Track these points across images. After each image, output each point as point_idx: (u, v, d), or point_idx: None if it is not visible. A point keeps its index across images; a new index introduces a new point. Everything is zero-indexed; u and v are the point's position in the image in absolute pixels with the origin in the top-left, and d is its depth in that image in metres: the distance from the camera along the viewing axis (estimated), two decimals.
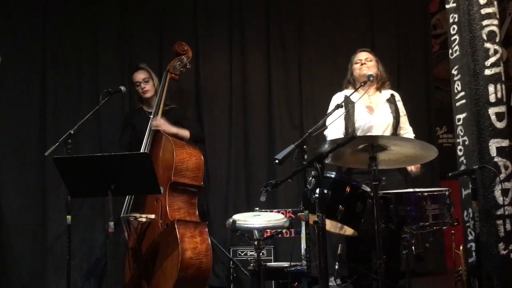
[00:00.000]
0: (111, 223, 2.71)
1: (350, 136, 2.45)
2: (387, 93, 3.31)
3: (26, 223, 3.96)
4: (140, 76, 3.67)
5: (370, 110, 3.22)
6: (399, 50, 4.63)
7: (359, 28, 4.59)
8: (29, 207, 3.98)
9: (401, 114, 3.29)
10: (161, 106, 3.52)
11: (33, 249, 3.97)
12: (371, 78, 2.92)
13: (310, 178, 2.64)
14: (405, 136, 3.25)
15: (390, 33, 4.63)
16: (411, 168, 3.11)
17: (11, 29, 4.05)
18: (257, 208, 3.49)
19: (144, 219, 3.14)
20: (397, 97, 3.34)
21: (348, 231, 2.82)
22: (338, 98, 3.29)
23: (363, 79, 3.04)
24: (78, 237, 3.88)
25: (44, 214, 3.98)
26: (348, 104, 3.11)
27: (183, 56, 3.70)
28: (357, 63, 3.30)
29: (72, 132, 3.08)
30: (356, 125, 3.16)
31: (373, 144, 2.45)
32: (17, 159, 3.99)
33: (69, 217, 3.03)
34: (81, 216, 3.94)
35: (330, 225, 2.80)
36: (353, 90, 3.13)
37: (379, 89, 3.32)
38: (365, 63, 3.26)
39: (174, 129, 3.50)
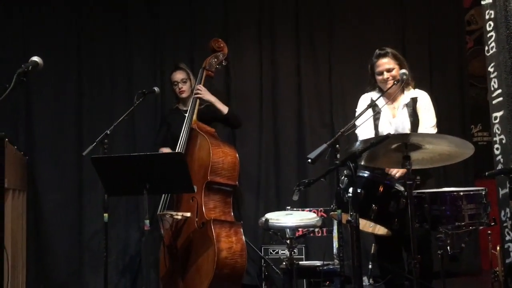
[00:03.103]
0: (147, 221, 2.75)
1: (384, 135, 2.42)
2: (408, 95, 3.14)
3: (64, 221, 4.09)
4: (178, 76, 3.69)
5: (392, 116, 3.16)
6: (432, 46, 4.55)
7: (390, 24, 4.54)
8: (67, 205, 4.11)
9: (420, 115, 3.09)
10: (197, 104, 3.54)
11: (70, 246, 4.09)
12: (404, 77, 2.89)
13: (343, 177, 2.63)
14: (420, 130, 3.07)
15: (422, 29, 4.57)
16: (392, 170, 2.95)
17: (47, 33, 4.19)
18: (289, 207, 3.49)
19: (179, 217, 3.17)
20: (420, 97, 3.13)
21: (381, 230, 2.81)
22: (365, 99, 3.19)
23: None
24: (113, 234, 3.96)
25: (81, 212, 4.10)
26: (375, 108, 3.02)
27: (219, 53, 3.68)
28: (378, 74, 3.08)
29: (108, 132, 3.14)
30: (380, 131, 3.09)
31: (407, 143, 2.43)
32: (55, 158, 4.13)
33: (106, 215, 3.08)
34: (116, 214, 4.02)
35: (363, 225, 2.79)
36: (378, 93, 3.07)
37: (402, 90, 3.13)
38: (388, 77, 3.04)
39: (213, 98, 3.55)
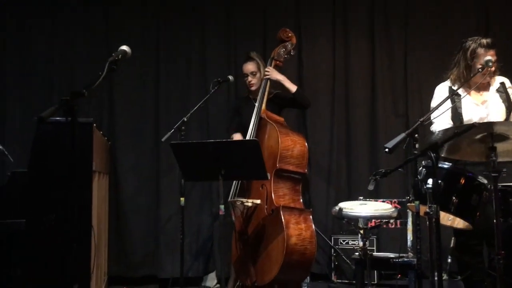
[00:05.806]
0: (222, 206, 2.82)
1: (470, 124, 2.31)
2: (496, 81, 3.00)
3: (142, 204, 4.29)
4: (249, 67, 3.67)
5: (481, 102, 3.00)
6: None
7: (469, 11, 4.32)
8: (145, 188, 4.30)
9: None
10: (266, 94, 3.55)
11: (147, 228, 4.28)
12: (490, 64, 2.74)
13: (421, 168, 2.56)
14: None
15: (505, 14, 4.30)
16: None
17: (128, 28, 4.37)
18: (361, 198, 3.45)
19: (250, 204, 3.22)
20: (508, 83, 3.02)
21: (460, 224, 2.70)
22: (442, 89, 3.02)
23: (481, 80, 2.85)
24: (187, 219, 4.06)
25: (158, 196, 4.28)
26: (454, 98, 2.85)
27: (288, 43, 3.65)
28: (480, 66, 2.81)
29: (185, 119, 3.25)
30: (465, 119, 2.93)
31: (493, 133, 2.31)
32: (135, 145, 4.32)
33: (182, 199, 3.21)
34: (190, 199, 4.15)
35: (441, 217, 2.69)
36: (457, 82, 2.90)
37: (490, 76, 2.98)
38: (493, 69, 2.85)
39: (281, 77, 3.55)
